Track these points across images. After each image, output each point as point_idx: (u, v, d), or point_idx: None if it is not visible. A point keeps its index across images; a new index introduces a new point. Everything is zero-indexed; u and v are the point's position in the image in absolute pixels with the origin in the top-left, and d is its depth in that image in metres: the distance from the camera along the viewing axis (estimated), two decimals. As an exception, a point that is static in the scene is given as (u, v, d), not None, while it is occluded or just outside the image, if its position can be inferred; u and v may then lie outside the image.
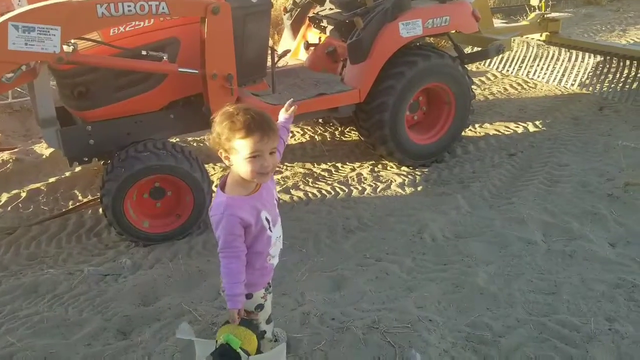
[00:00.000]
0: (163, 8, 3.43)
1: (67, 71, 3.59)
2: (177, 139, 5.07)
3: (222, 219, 2.05)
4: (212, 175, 4.61)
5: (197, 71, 3.71)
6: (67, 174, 4.72)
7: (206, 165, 4.67)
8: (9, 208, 4.26)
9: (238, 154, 2.01)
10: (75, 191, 4.49)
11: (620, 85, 5.81)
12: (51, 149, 4.74)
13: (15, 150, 5.06)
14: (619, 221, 3.75)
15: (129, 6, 3.35)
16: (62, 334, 2.92)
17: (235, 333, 2.07)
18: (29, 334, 2.89)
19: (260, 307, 2.32)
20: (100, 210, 3.75)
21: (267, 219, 2.16)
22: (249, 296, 2.26)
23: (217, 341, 2.09)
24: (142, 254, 3.66)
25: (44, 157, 4.94)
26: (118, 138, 3.78)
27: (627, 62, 5.77)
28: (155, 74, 3.78)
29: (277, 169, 4.56)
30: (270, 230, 2.20)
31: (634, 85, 5.69)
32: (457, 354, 2.65)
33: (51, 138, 3.68)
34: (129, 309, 3.09)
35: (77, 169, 4.70)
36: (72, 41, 3.44)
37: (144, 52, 3.64)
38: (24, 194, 4.42)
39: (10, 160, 4.84)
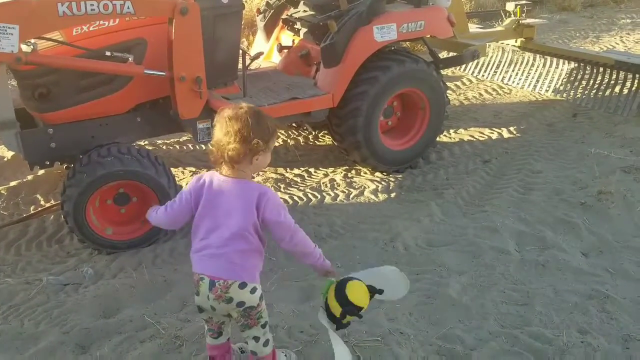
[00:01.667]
0: (128, 8, 3.31)
1: (28, 71, 3.44)
2: (146, 142, 4.94)
3: (275, 195, 2.25)
4: (180, 180, 4.49)
5: (164, 73, 3.59)
6: (29, 177, 4.55)
7: (175, 170, 4.55)
8: (-34, 213, 4.09)
9: (269, 150, 2.23)
10: (37, 196, 4.33)
11: (594, 92, 5.84)
12: (12, 152, 4.55)
13: (-25, 152, 4.87)
14: (591, 230, 3.74)
15: (92, 5, 3.22)
16: (16, 348, 2.79)
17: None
18: (-19, 349, 2.75)
19: (262, 297, 2.30)
20: (62, 216, 3.61)
21: None
22: (253, 290, 2.22)
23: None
24: (105, 262, 3.53)
25: (5, 159, 4.76)
26: (81, 141, 3.64)
27: (600, 69, 5.80)
28: (121, 76, 3.65)
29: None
30: None
31: (607, 92, 5.72)
32: (427, 369, 2.59)
33: (10, 141, 3.51)
34: (88, 321, 2.96)
35: (40, 172, 4.54)
36: (32, 41, 3.30)
37: (108, 53, 3.50)
38: (-18, 199, 4.24)
39: (-30, 163, 4.65)
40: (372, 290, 2.34)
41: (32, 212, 4.10)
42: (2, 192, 4.35)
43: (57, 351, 2.75)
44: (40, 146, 3.58)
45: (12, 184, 4.48)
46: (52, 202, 4.21)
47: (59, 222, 3.93)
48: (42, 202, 4.24)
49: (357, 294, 2.29)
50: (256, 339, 2.34)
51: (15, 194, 4.34)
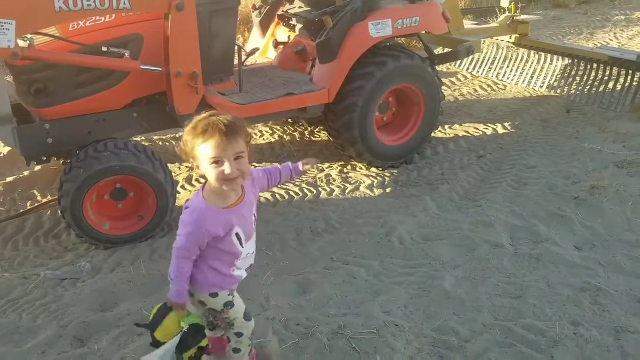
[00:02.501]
0: (124, 3, 3.33)
1: (24, 67, 3.46)
2: (142, 138, 4.95)
3: (192, 224, 2.02)
4: (177, 175, 4.50)
5: (160, 69, 3.61)
6: (26, 172, 4.56)
7: (171, 165, 4.56)
8: (-37, 208, 4.09)
9: (201, 160, 1.95)
10: (34, 191, 4.34)
11: (587, 88, 5.87)
12: (9, 147, 4.56)
13: (-29, 148, 4.87)
14: (584, 224, 3.77)
15: (88, 1, 3.23)
16: (14, 341, 2.81)
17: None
18: (-20, 342, 2.77)
19: (229, 304, 2.23)
20: (59, 211, 3.62)
21: (237, 235, 2.10)
22: (213, 295, 2.20)
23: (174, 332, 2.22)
24: (102, 257, 3.54)
25: (1, 155, 4.76)
26: (78, 137, 3.66)
27: (594, 65, 5.84)
28: (117, 71, 3.66)
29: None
30: (242, 246, 2.14)
31: (600, 88, 5.75)
32: (422, 360, 2.62)
33: (7, 136, 3.53)
34: (86, 314, 2.99)
35: (37, 167, 4.55)
36: (29, 36, 3.31)
37: (104, 49, 3.51)
38: (-21, 194, 4.25)
39: (-34, 159, 4.66)
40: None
41: (29, 207, 4.11)
42: (-1, 187, 4.36)
43: (55, 344, 2.78)
44: (37, 141, 3.59)
45: (9, 179, 4.48)
46: (49, 197, 4.22)
47: (56, 217, 3.94)
48: (39, 198, 4.25)
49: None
50: (230, 339, 2.34)
51: (11, 189, 4.35)
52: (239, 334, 2.30)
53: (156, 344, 2.23)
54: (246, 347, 2.35)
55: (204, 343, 2.25)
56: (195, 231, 2.02)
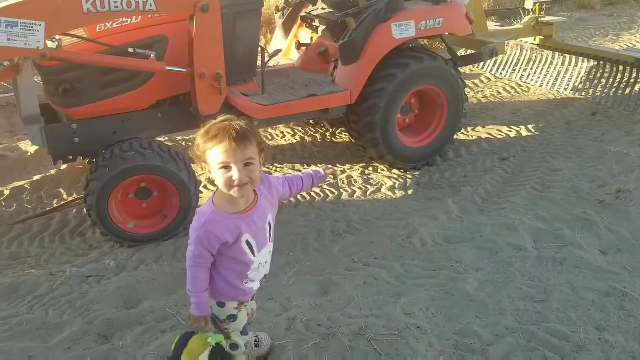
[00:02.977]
0: (151, 5, 3.37)
1: (52, 68, 3.52)
2: (166, 139, 5.01)
3: (200, 229, 2.01)
4: (199, 176, 4.53)
5: (185, 70, 3.65)
6: (52, 172, 4.64)
7: (194, 166, 4.59)
8: (-8, 206, 4.18)
9: (211, 164, 1.94)
10: (60, 190, 4.41)
11: (613, 90, 5.79)
12: (36, 147, 4.65)
13: (0, 146, 4.96)
14: (610, 228, 3.72)
15: (115, 3, 3.28)
16: (41, 337, 2.85)
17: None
18: (7, 337, 2.82)
19: (232, 317, 2.23)
20: (85, 210, 3.68)
21: (248, 243, 2.08)
22: (221, 304, 2.21)
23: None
24: (126, 255, 3.59)
25: (29, 154, 4.85)
26: (104, 137, 3.71)
27: (620, 68, 5.75)
28: (143, 72, 3.71)
29: (266, 169, 4.51)
30: (254, 255, 2.12)
31: (627, 91, 5.67)
32: (444, 363, 2.60)
33: (35, 136, 3.60)
34: (111, 312, 3.02)
35: (63, 167, 4.63)
36: (57, 37, 3.37)
37: (130, 50, 3.57)
38: (7, 192, 4.33)
39: (-5, 157, 4.76)
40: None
41: (56, 205, 4.18)
42: (26, 186, 4.44)
43: (81, 340, 2.81)
44: (64, 141, 3.65)
45: (36, 178, 4.57)
46: (75, 196, 4.29)
47: (82, 216, 4.01)
48: (65, 196, 4.33)
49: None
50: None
51: (39, 187, 4.43)
52: (234, 347, 2.31)
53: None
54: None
55: None
56: (203, 236, 2.00)
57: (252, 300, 2.35)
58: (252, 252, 2.10)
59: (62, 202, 4.22)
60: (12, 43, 3.10)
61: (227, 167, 1.91)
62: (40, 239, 3.82)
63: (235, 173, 1.90)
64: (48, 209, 4.14)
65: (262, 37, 6.99)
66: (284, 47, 5.14)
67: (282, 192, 2.30)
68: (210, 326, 2.22)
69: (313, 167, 4.78)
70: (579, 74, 6.11)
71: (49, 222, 3.99)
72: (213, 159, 1.91)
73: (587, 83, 6.05)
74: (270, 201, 2.17)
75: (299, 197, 4.29)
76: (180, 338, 2.25)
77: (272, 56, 4.57)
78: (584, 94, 6.05)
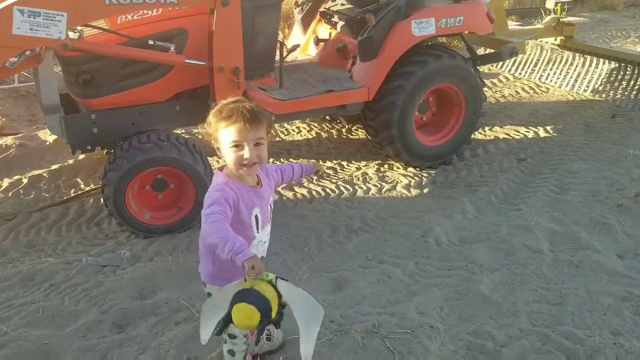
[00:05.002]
0: (172, -2, 3.38)
1: (73, 58, 3.54)
2: (182, 131, 5.03)
3: (223, 188, 2.02)
4: (215, 168, 4.55)
5: (204, 63, 3.66)
6: (70, 161, 4.68)
7: (210, 159, 4.61)
8: (10, 194, 4.23)
9: (223, 143, 2.02)
10: (78, 179, 4.45)
11: (634, 93, 5.72)
12: (55, 136, 4.70)
13: (19, 135, 5.02)
14: (628, 232, 3.68)
15: (137, -6, 3.30)
16: (56, 324, 2.89)
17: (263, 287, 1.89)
18: (24, 324, 2.86)
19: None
20: (102, 200, 3.71)
21: (256, 218, 2.13)
22: (208, 294, 2.23)
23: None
24: (142, 245, 3.62)
25: (47, 143, 4.90)
26: (122, 128, 3.74)
27: (642, 70, 5.68)
28: (162, 65, 3.72)
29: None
30: (257, 231, 2.16)
31: (648, 94, 5.60)
32: (457, 363, 2.59)
33: (54, 125, 3.63)
34: (126, 301, 3.05)
35: (81, 157, 4.67)
36: (79, 28, 3.40)
37: (151, 42, 3.58)
38: (25, 180, 4.38)
39: (14, 146, 4.80)
40: (262, 321, 1.88)
41: (73, 195, 4.22)
42: (44, 175, 4.48)
43: (95, 329, 2.84)
44: (83, 131, 3.68)
45: (54, 167, 4.61)
46: (92, 186, 4.33)
47: (98, 206, 4.04)
48: (82, 186, 4.37)
49: (239, 318, 1.89)
50: (226, 340, 2.35)
51: (56, 177, 4.47)
52: (232, 336, 2.31)
53: (277, 321, 1.97)
54: (241, 351, 2.36)
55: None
56: (224, 189, 2.01)
57: None
58: (257, 227, 2.15)
59: (80, 192, 4.26)
60: (34, 33, 3.12)
61: (238, 146, 1.99)
62: (57, 227, 3.86)
63: (246, 152, 1.99)
64: (65, 198, 4.19)
65: (280, 32, 7.00)
66: (302, 42, 5.13)
67: (276, 178, 2.37)
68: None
69: (328, 163, 4.78)
70: (600, 75, 6.03)
71: (66, 211, 4.03)
72: (225, 138, 2.00)
73: (608, 85, 5.98)
74: (269, 184, 2.25)
75: (313, 192, 4.29)
76: (252, 302, 1.87)
77: (290, 51, 4.57)
78: (603, 95, 5.98)
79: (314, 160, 4.77)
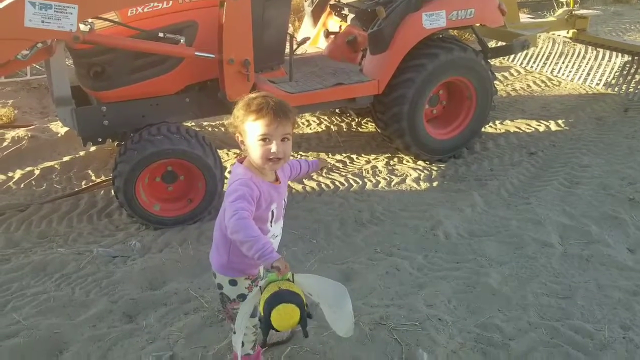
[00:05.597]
0: (182, -10, 3.38)
1: (84, 50, 3.56)
2: (192, 124, 5.05)
3: (248, 182, 2.00)
4: (225, 161, 4.57)
5: (213, 55, 3.66)
6: (82, 153, 4.72)
7: (220, 151, 4.63)
8: (22, 185, 4.27)
9: (250, 136, 2.01)
10: (89, 171, 4.49)
11: (648, 86, 5.66)
12: (66, 128, 4.73)
13: (31, 127, 5.06)
14: (639, 226, 3.65)
15: (147, -14, 3.30)
16: (67, 314, 2.92)
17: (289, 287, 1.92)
18: (35, 313, 2.89)
19: (242, 297, 2.23)
20: (112, 191, 3.74)
21: (273, 212, 2.13)
22: (232, 283, 2.22)
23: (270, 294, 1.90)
24: (152, 237, 3.64)
25: (59, 135, 4.94)
26: (133, 120, 3.76)
27: (656, 63, 5.62)
28: (172, 57, 3.74)
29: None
30: (271, 225, 2.16)
31: (662, 87, 5.54)
32: (465, 355, 2.59)
33: (66, 117, 3.66)
34: (136, 292, 3.08)
35: (92, 149, 4.70)
36: (90, 20, 3.41)
37: (161, 35, 3.59)
38: (37, 172, 4.42)
39: (26, 137, 4.85)
40: (302, 317, 1.92)
41: (84, 186, 4.26)
42: (56, 166, 4.52)
43: (106, 319, 2.87)
44: (94, 123, 3.70)
45: (65, 159, 4.65)
46: (103, 177, 4.36)
47: (109, 197, 4.08)
48: (93, 178, 4.40)
49: (281, 320, 1.90)
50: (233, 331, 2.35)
51: (68, 168, 4.51)
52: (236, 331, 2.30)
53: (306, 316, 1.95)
54: (250, 342, 2.39)
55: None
56: (249, 183, 2.00)
57: (261, 279, 2.34)
58: (271, 221, 2.16)
59: (91, 183, 4.30)
60: (45, 25, 3.14)
61: (266, 140, 1.98)
62: (69, 218, 3.90)
63: (274, 146, 1.99)
64: (77, 189, 4.22)
65: (290, 25, 6.99)
66: (312, 35, 5.12)
67: (287, 174, 2.38)
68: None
69: (338, 156, 4.78)
70: (612, 69, 5.98)
71: (78, 202, 4.06)
72: (253, 131, 1.99)
73: (620, 78, 5.92)
74: (284, 180, 2.26)
75: (322, 185, 4.30)
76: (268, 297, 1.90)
77: (300, 44, 4.56)
78: (616, 89, 5.92)
79: (322, 156, 4.77)
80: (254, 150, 2.01)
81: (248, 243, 1.89)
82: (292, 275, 1.98)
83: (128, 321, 2.88)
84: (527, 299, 2.97)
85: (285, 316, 1.89)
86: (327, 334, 2.67)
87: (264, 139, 1.98)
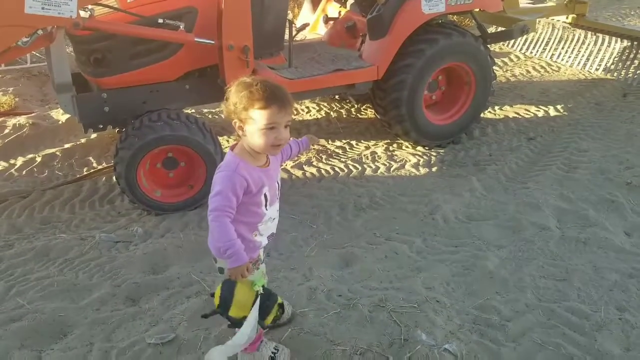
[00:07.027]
0: (181, -24, 3.39)
1: (84, 37, 3.58)
2: (192, 110, 5.07)
3: (232, 175, 2.03)
4: (225, 147, 4.59)
5: (213, 42, 3.67)
6: (83, 140, 4.74)
7: (220, 138, 4.65)
8: (24, 172, 4.30)
9: (254, 124, 2.01)
10: (90, 158, 4.52)
11: (646, 71, 5.67)
12: (67, 115, 4.75)
13: (32, 114, 5.08)
14: (636, 210, 3.68)
15: (146, -27, 3.31)
16: (71, 298, 2.96)
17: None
18: (39, 297, 2.93)
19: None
20: (114, 178, 3.77)
21: (265, 196, 2.16)
22: (221, 271, 2.23)
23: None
24: (153, 222, 3.68)
25: (60, 122, 4.96)
26: (133, 106, 3.78)
27: (655, 48, 5.62)
28: (172, 44, 3.75)
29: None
30: (266, 208, 2.19)
31: (661, 72, 5.54)
32: (463, 336, 2.63)
33: (66, 104, 3.68)
34: (138, 276, 3.11)
35: (93, 135, 4.73)
36: (89, 7, 3.42)
37: (160, 21, 3.60)
38: (39, 159, 4.45)
39: (27, 125, 4.87)
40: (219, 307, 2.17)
41: (86, 173, 4.29)
42: (57, 153, 4.55)
43: (109, 302, 2.91)
44: (95, 110, 3.72)
45: (67, 146, 4.68)
46: (104, 164, 4.39)
47: (111, 184, 4.11)
48: (95, 164, 4.43)
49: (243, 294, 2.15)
50: None
51: (69, 155, 4.54)
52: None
53: (235, 322, 2.16)
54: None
55: (280, 300, 2.25)
56: (236, 180, 2.03)
57: (261, 262, 2.37)
58: (266, 205, 2.18)
59: (92, 170, 4.33)
60: (46, 11, 3.16)
61: (273, 128, 2.01)
62: (71, 204, 3.93)
63: (280, 133, 2.03)
64: (78, 176, 4.25)
65: (289, 11, 6.98)
66: (311, 21, 5.13)
67: (279, 157, 2.38)
68: (252, 270, 2.17)
69: (337, 142, 4.81)
70: (611, 54, 5.98)
71: (79, 189, 4.09)
72: (259, 119, 1.99)
73: (619, 64, 5.93)
74: (275, 163, 2.28)
75: (322, 171, 4.32)
76: (221, 290, 2.14)
77: (299, 30, 4.57)
78: (615, 74, 5.93)
79: (322, 142, 4.79)
80: (259, 137, 2.02)
81: (223, 247, 2.03)
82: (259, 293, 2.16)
83: (131, 304, 2.92)
84: (524, 281, 3.01)
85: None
86: (327, 315, 2.71)
87: (271, 127, 2.00)
